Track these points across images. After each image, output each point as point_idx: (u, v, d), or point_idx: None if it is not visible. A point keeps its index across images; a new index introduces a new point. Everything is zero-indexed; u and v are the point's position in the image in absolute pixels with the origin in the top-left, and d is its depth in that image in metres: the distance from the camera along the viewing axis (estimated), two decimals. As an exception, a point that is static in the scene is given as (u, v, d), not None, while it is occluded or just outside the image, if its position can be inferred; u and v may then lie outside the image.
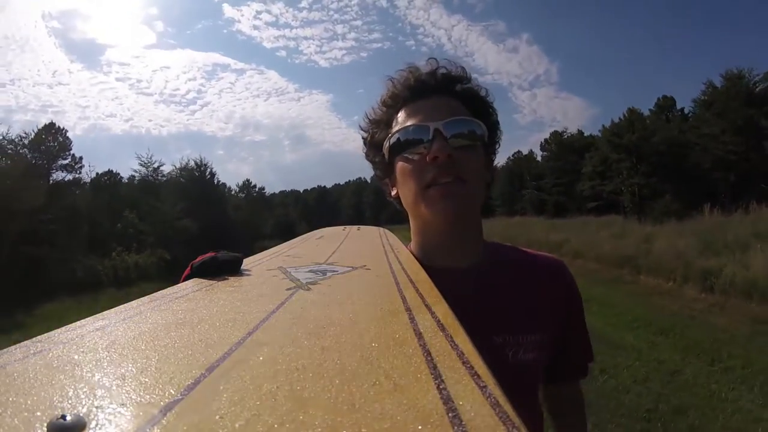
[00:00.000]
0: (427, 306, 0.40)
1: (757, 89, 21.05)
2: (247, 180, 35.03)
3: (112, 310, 0.40)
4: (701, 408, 2.90)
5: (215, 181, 22.94)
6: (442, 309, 0.39)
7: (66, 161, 19.34)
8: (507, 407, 0.22)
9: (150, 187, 18.98)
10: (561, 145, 34.23)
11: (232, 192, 27.93)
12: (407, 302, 0.42)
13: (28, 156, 13.72)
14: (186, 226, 16.98)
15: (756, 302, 5.11)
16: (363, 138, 0.74)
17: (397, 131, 0.64)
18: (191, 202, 18.27)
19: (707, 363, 3.68)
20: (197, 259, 0.59)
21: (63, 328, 0.35)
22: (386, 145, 0.66)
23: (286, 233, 26.80)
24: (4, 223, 10.21)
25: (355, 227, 1.39)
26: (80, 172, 19.29)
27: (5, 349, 0.30)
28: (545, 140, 36.86)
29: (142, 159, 19.88)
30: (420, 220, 0.68)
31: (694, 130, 23.25)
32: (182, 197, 18.43)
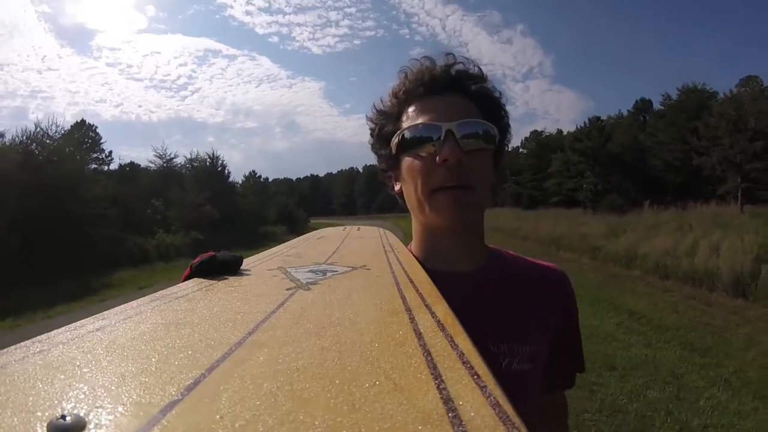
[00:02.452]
0: (427, 306, 0.40)
1: (711, 102, 24.82)
2: (253, 171, 38.70)
3: (112, 310, 0.40)
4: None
5: (226, 173, 25.89)
6: (442, 309, 0.39)
7: (96, 155, 22.89)
8: (507, 407, 0.22)
9: (169, 177, 21.84)
10: (539, 143, 39.20)
11: (236, 183, 30.77)
12: (407, 302, 0.42)
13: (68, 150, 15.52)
14: (209, 212, 19.68)
15: (618, 266, 8.44)
16: (370, 129, 0.72)
17: (407, 128, 0.63)
18: (210, 191, 20.76)
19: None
20: (197, 259, 0.59)
21: (63, 328, 0.35)
22: (395, 140, 0.65)
23: (287, 220, 30.81)
24: (80, 207, 12.90)
25: (355, 227, 1.39)
26: (110, 165, 23.00)
27: (5, 349, 0.30)
28: (525, 138, 41.70)
29: (158, 151, 22.98)
30: (423, 221, 0.67)
31: (651, 137, 28.31)
32: (202, 187, 20.96)
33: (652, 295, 6.29)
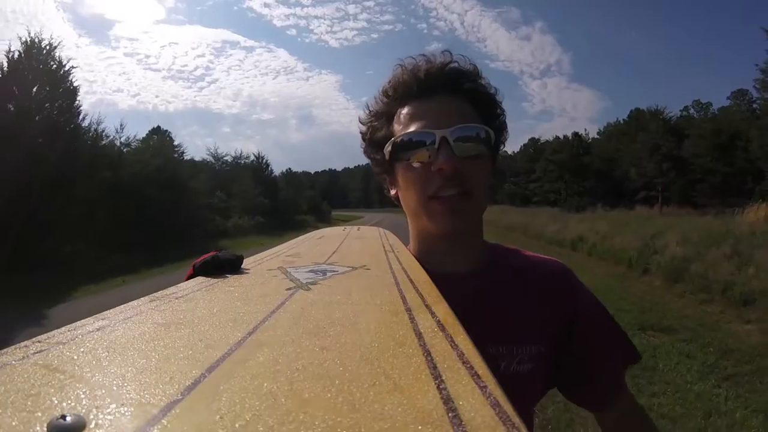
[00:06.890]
0: (427, 306, 0.40)
1: (672, 122, 31.11)
2: (289, 168, 45.99)
3: (112, 310, 0.40)
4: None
5: (269, 169, 32.25)
6: (442, 309, 0.39)
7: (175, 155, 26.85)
8: (507, 407, 0.22)
9: (221, 173, 27.83)
10: (535, 149, 45.53)
11: (276, 176, 36.37)
12: (407, 302, 0.42)
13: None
14: (262, 202, 25.58)
15: (534, 239, 13.26)
16: (362, 133, 0.70)
17: (400, 136, 0.61)
18: (260, 185, 26.89)
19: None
20: (199, 259, 0.59)
21: (63, 328, 0.35)
22: (387, 148, 0.63)
23: (315, 210, 38.62)
24: (191, 197, 18.79)
25: (355, 227, 1.39)
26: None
27: (5, 349, 0.30)
28: (524, 145, 49.39)
29: (211, 151, 29.62)
30: (420, 228, 0.67)
31: (617, 151, 34.72)
32: (256, 182, 26.88)
33: (538, 251, 10.26)
